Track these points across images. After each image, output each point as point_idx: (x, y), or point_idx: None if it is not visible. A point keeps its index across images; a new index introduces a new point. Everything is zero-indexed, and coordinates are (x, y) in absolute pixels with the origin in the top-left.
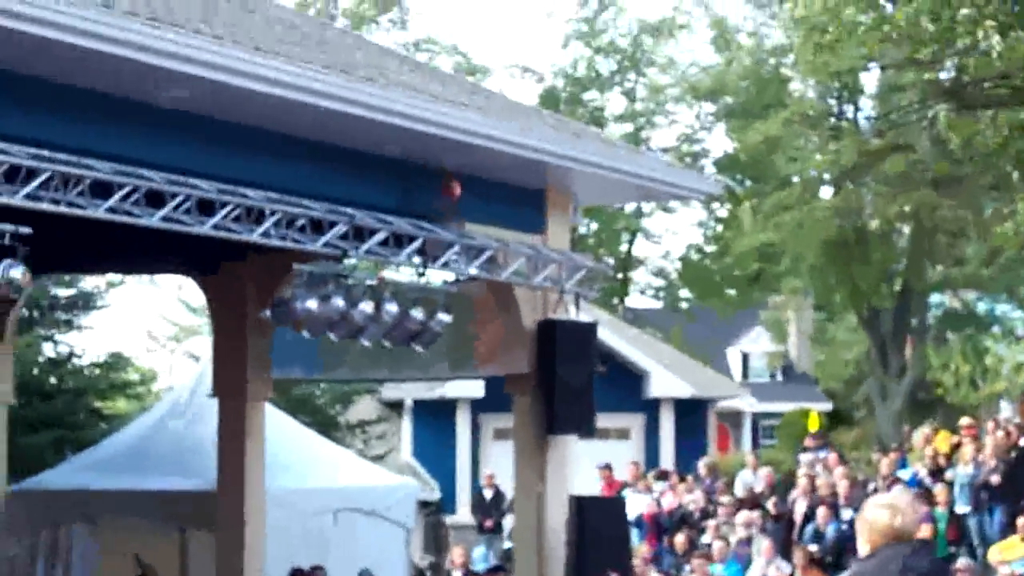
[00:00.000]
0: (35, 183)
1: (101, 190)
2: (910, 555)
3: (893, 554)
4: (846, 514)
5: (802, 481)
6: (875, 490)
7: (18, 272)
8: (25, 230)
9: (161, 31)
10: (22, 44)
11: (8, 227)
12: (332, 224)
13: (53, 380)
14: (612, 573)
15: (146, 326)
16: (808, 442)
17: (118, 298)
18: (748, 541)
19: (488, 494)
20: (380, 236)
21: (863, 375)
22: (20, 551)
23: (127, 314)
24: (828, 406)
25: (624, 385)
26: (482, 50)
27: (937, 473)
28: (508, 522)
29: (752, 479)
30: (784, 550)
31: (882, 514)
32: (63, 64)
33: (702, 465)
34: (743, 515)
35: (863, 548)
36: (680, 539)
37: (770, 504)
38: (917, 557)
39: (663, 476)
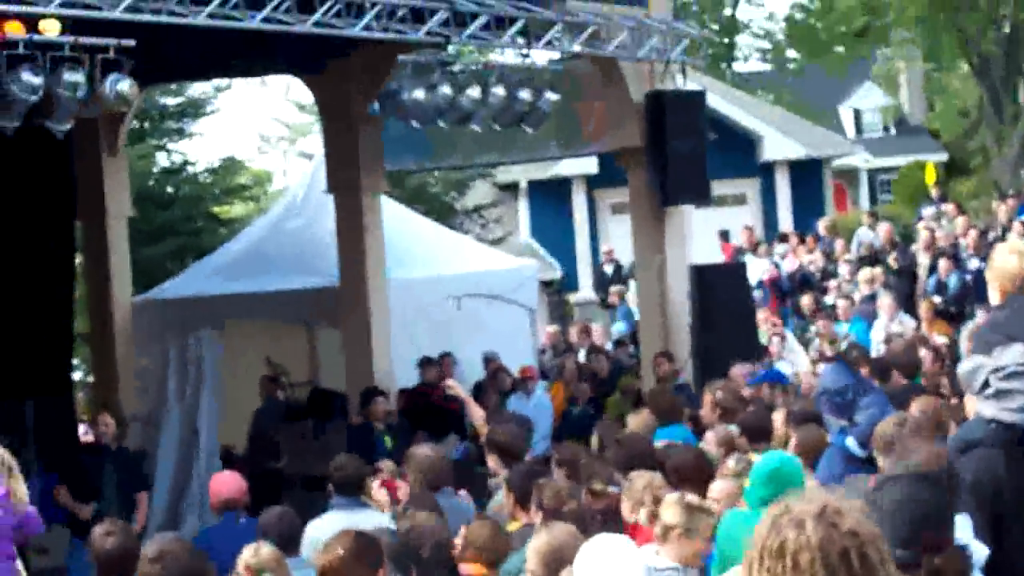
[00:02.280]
0: None
1: None
2: None
3: None
4: (971, 264)
5: (923, 234)
6: (995, 238)
7: (125, 85)
8: (128, 42)
9: None
10: None
11: (111, 41)
12: (432, 12)
13: (169, 189)
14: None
15: (257, 128)
16: (934, 193)
17: (227, 102)
18: (871, 298)
19: (609, 269)
20: (481, 20)
21: (977, 123)
22: (150, 361)
23: (237, 118)
24: (944, 157)
25: (737, 150)
26: None
27: None
28: (631, 295)
29: (870, 236)
30: (908, 304)
31: (1012, 260)
32: None
33: (821, 225)
34: (865, 272)
35: (994, 296)
36: (806, 300)
37: (891, 259)
38: None
39: (783, 239)
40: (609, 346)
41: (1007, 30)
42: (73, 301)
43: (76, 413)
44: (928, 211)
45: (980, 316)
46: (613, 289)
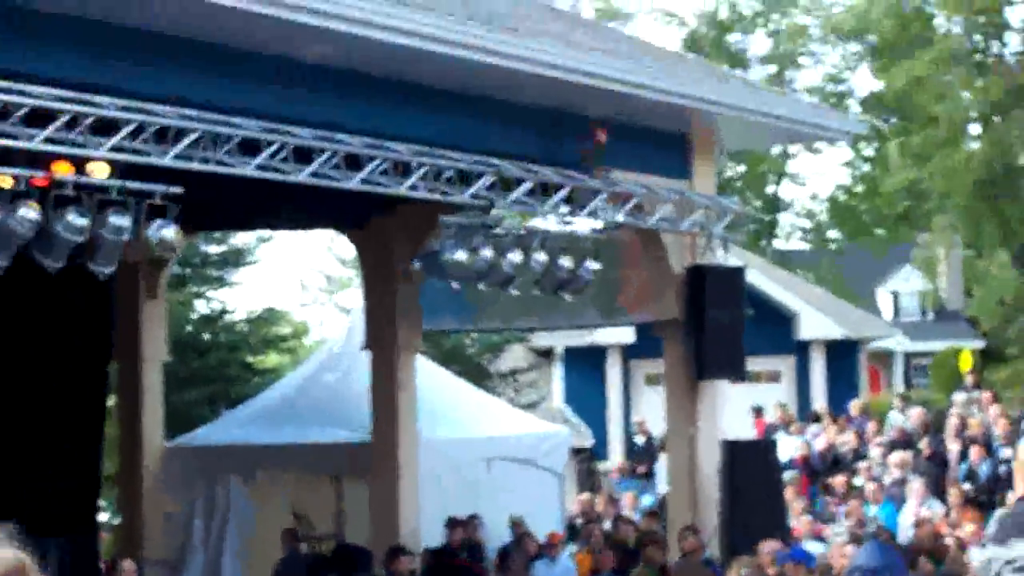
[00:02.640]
0: (184, 143)
1: (249, 148)
2: None
3: None
4: (1003, 453)
5: (953, 420)
6: None
7: (170, 231)
8: (176, 190)
9: None
10: (165, 5)
11: (159, 187)
12: (479, 175)
13: (206, 336)
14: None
15: (297, 279)
16: (968, 380)
17: (268, 253)
18: (902, 482)
19: (640, 440)
20: (526, 186)
21: (1016, 312)
22: (178, 505)
23: (277, 268)
24: (980, 344)
25: (774, 327)
26: None
27: None
28: (660, 467)
29: (901, 419)
30: (938, 490)
31: None
32: (209, 24)
33: (853, 406)
34: (896, 456)
35: (1020, 487)
36: (839, 480)
37: (923, 444)
38: None
39: (815, 418)
40: (637, 516)
41: None
42: (103, 441)
43: (100, 554)
44: (960, 397)
45: (1008, 506)
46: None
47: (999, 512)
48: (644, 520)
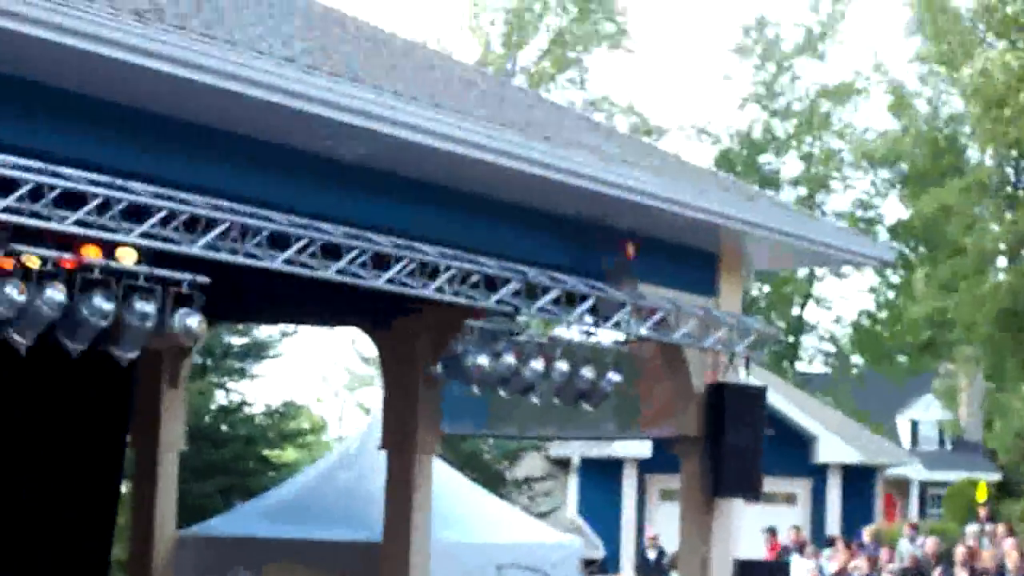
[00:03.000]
0: (214, 233)
1: (278, 242)
2: None
3: None
4: None
5: (960, 551)
6: None
7: (195, 321)
8: (203, 279)
9: (342, 86)
10: (204, 96)
11: (186, 276)
12: (505, 281)
13: (224, 427)
14: None
15: (318, 374)
16: (981, 512)
17: (291, 347)
18: None
19: (652, 555)
20: (553, 294)
21: None
22: None
23: (299, 363)
24: (997, 477)
25: (792, 449)
26: (658, 111)
27: None
28: None
29: (910, 548)
30: None
31: None
32: (245, 117)
33: (866, 532)
34: None
35: None
36: None
37: (936, 574)
38: None
39: (830, 543)
40: None
41: None
42: (114, 527)
43: None
44: (972, 528)
45: None
46: None
47: None
48: None
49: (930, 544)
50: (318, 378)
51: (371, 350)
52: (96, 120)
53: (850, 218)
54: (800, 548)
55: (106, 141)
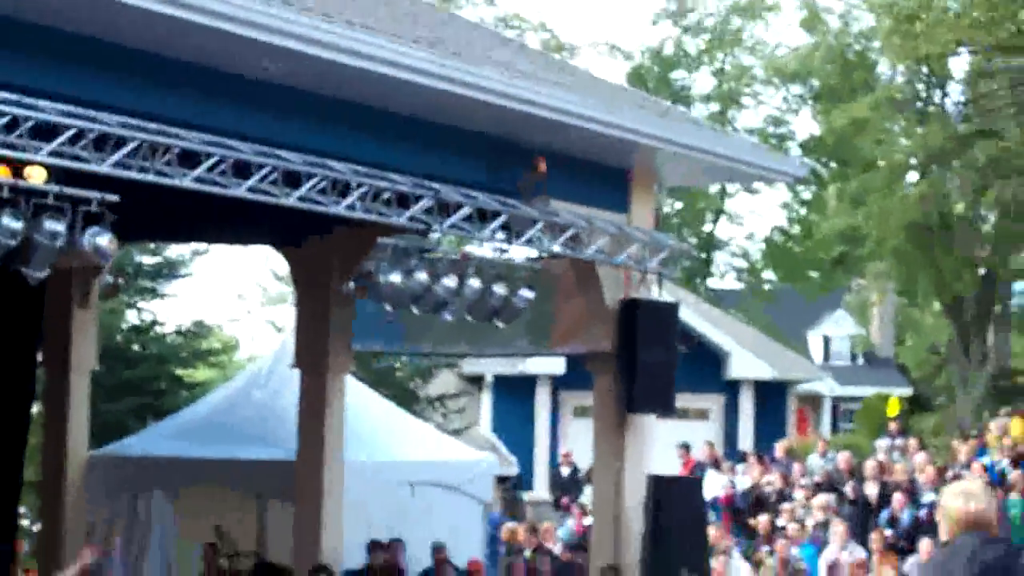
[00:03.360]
0: (124, 151)
1: (189, 160)
2: (981, 544)
3: (966, 543)
4: (925, 499)
5: (871, 464)
6: (953, 476)
7: (105, 239)
8: (112, 198)
9: (252, 2)
10: (114, 13)
11: (95, 194)
12: (417, 198)
13: (136, 347)
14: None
15: (230, 293)
16: (891, 426)
17: (202, 266)
18: (824, 524)
19: (565, 471)
20: (465, 211)
21: (944, 361)
22: (99, 517)
23: (211, 282)
24: (908, 391)
25: (704, 365)
26: (570, 28)
27: (1018, 461)
28: (585, 499)
29: (821, 462)
30: (860, 535)
31: (957, 501)
32: (155, 34)
33: (779, 447)
34: (819, 499)
35: (943, 535)
36: (763, 520)
37: (848, 488)
38: (990, 546)
39: (742, 458)
40: (557, 548)
41: (982, 272)
42: (25, 447)
43: (18, 561)
44: (882, 443)
45: (924, 552)
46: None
47: (911, 560)
48: (564, 552)
49: (842, 458)
50: (233, 297)
51: (285, 268)
52: (4, 39)
53: (762, 134)
54: (714, 463)
55: (15, 60)
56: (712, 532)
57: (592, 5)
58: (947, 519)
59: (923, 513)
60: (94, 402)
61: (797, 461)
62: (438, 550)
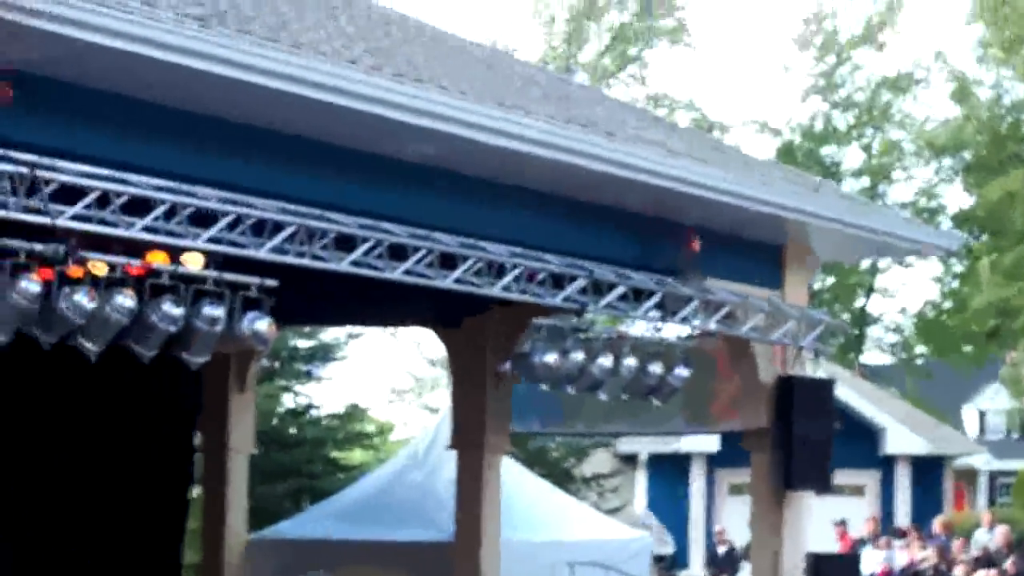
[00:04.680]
0: (281, 236)
1: (345, 243)
2: None
3: None
4: None
5: None
6: None
7: (263, 324)
8: (271, 283)
9: (407, 86)
10: (268, 100)
11: (254, 280)
12: (572, 278)
13: (292, 430)
14: None
15: (384, 378)
16: None
17: (356, 349)
18: None
19: (721, 549)
20: (619, 291)
21: None
22: None
23: (365, 365)
24: None
25: (859, 441)
26: (719, 106)
27: None
28: None
29: (988, 537)
30: None
31: None
32: (311, 120)
33: (936, 522)
34: (980, 574)
35: None
36: None
37: (1008, 564)
38: None
39: (901, 534)
40: None
41: None
42: (184, 531)
43: None
44: None
45: None
46: None
47: None
48: None
49: (1000, 533)
50: (384, 381)
51: (436, 352)
52: (161, 126)
53: (913, 207)
54: (874, 540)
55: (172, 147)
56: None
57: (741, 83)
58: None
59: None
60: (252, 486)
61: (955, 537)
62: None
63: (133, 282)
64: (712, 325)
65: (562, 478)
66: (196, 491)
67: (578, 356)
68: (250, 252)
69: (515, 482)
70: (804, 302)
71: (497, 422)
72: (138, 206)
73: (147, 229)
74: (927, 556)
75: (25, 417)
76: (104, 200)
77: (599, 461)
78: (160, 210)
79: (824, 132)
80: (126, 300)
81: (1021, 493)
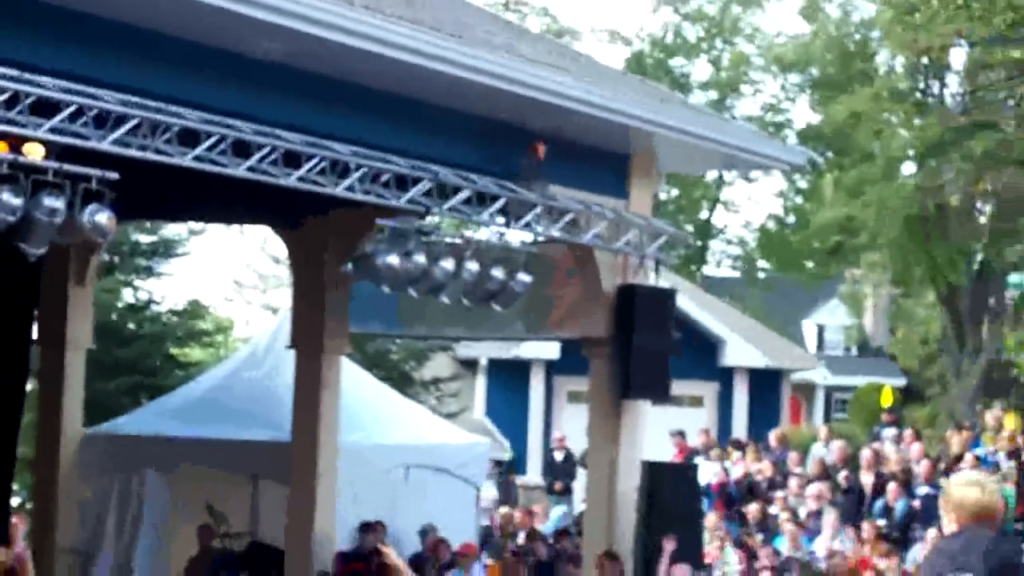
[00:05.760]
0: (124, 129)
1: (189, 138)
2: (995, 537)
3: (980, 535)
4: (920, 491)
5: (866, 454)
6: (946, 468)
7: (104, 216)
8: (112, 175)
9: None
10: None
11: (95, 172)
12: (416, 180)
13: (131, 326)
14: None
15: (226, 275)
16: (885, 417)
17: (198, 246)
18: (818, 514)
19: (559, 456)
20: (463, 194)
21: (938, 352)
22: (92, 495)
23: (207, 263)
24: (902, 382)
25: (699, 352)
26: (571, 13)
27: (1014, 453)
28: (578, 485)
29: (824, 451)
30: (853, 524)
31: (971, 492)
32: (157, 13)
33: (772, 436)
34: (813, 487)
35: (948, 526)
36: (753, 508)
37: (841, 477)
38: (1004, 540)
39: (738, 446)
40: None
41: (977, 264)
42: (19, 424)
43: (9, 537)
44: (888, 433)
45: (930, 542)
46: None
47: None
48: (555, 537)
49: (838, 448)
50: (227, 278)
51: (281, 250)
52: (6, 15)
53: (760, 122)
54: (708, 451)
55: (16, 36)
56: (710, 519)
57: None
58: (956, 508)
59: (917, 504)
60: (89, 380)
61: (790, 450)
62: (428, 532)
63: None
64: (555, 232)
65: (401, 381)
66: (31, 384)
67: (420, 259)
68: (92, 144)
69: (354, 384)
70: (648, 212)
71: (336, 323)
72: None
73: None
74: (762, 468)
75: None
76: None
77: (439, 365)
78: (1, 98)
79: (674, 44)
80: None
81: (857, 409)
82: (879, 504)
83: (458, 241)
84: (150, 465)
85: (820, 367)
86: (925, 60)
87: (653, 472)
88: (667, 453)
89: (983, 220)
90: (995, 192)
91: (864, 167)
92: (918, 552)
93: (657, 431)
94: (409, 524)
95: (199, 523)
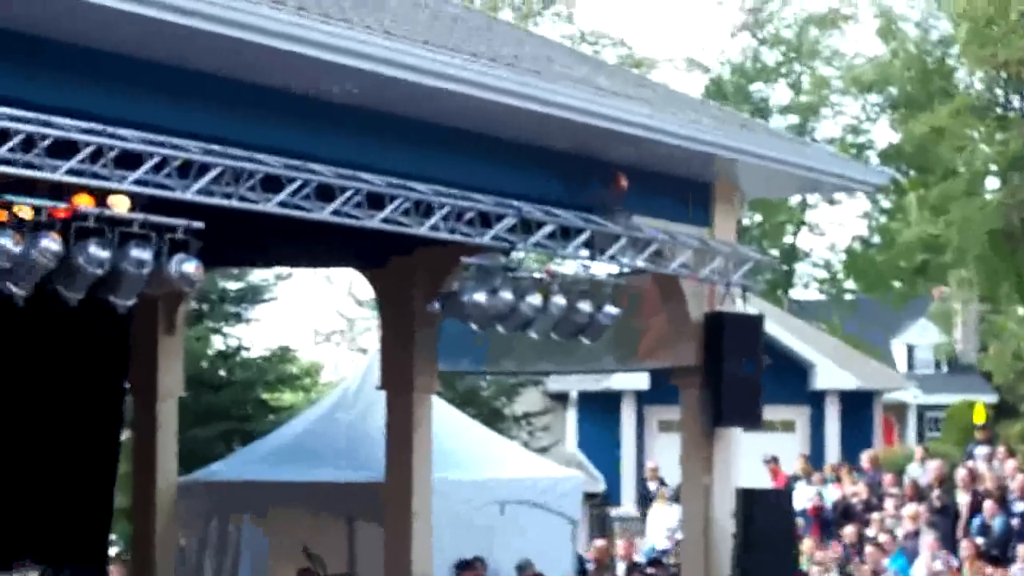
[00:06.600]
0: (207, 178)
1: (272, 184)
2: None
3: None
4: (1016, 507)
5: (961, 473)
6: None
7: (191, 266)
8: (198, 225)
9: (331, 26)
10: (192, 41)
11: (181, 222)
12: (500, 217)
13: (222, 372)
14: None
15: (313, 319)
16: (979, 434)
17: (286, 291)
18: (915, 534)
19: (652, 486)
20: (547, 229)
21: None
22: (189, 542)
23: (295, 307)
24: (994, 398)
25: (789, 377)
26: (647, 43)
27: None
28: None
29: (920, 471)
30: (951, 543)
31: None
32: (235, 61)
33: (865, 458)
34: (909, 508)
35: None
36: (849, 531)
37: (935, 497)
38: None
39: (833, 469)
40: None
41: None
42: (116, 474)
43: None
44: (981, 451)
45: None
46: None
47: (1021, 568)
48: (654, 568)
49: (933, 467)
50: (313, 322)
51: (366, 293)
52: (87, 69)
53: (841, 144)
54: (807, 477)
55: (97, 90)
56: (805, 544)
57: (670, 20)
58: None
59: (1015, 522)
60: (182, 428)
61: (884, 471)
62: (524, 568)
63: (59, 225)
64: (640, 262)
65: (492, 417)
66: (126, 434)
67: (507, 295)
68: (176, 194)
69: (445, 421)
70: (733, 239)
71: (425, 362)
72: (63, 148)
73: (72, 171)
74: (858, 491)
75: None
76: (29, 143)
77: (529, 400)
78: (85, 152)
79: (753, 68)
80: (52, 243)
81: (951, 428)
82: (976, 522)
83: (544, 276)
84: (246, 510)
85: (911, 387)
86: (1004, 74)
87: (748, 499)
88: (760, 479)
89: None
90: None
91: (947, 184)
92: (1019, 570)
93: (750, 457)
94: (506, 560)
95: (297, 567)
